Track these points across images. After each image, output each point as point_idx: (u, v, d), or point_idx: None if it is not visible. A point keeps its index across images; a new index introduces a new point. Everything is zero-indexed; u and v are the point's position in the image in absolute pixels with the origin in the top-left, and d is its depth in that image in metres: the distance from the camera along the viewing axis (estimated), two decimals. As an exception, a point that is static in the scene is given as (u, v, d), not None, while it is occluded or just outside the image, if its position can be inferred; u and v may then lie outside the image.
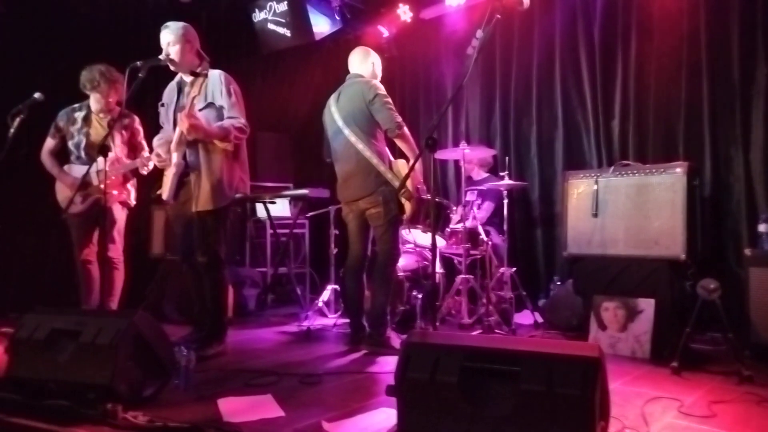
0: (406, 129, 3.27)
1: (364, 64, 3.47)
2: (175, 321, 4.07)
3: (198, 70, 3.18)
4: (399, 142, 3.28)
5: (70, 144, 3.70)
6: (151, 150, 3.47)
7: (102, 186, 3.39)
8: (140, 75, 2.96)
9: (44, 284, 4.63)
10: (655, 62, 4.10)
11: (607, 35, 4.33)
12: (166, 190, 3.19)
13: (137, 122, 3.82)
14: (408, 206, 3.29)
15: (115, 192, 3.66)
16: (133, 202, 3.83)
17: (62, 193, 3.69)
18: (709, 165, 3.82)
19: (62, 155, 3.75)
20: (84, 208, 3.62)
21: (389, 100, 3.32)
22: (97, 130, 3.70)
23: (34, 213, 4.56)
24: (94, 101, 3.70)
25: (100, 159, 3.26)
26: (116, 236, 3.71)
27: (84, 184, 3.34)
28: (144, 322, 2.31)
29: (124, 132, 3.76)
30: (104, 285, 3.54)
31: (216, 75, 3.18)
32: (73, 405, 2.12)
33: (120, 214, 3.74)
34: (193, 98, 3.04)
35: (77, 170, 3.59)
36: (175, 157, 3.12)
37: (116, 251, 3.73)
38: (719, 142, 3.83)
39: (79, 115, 3.71)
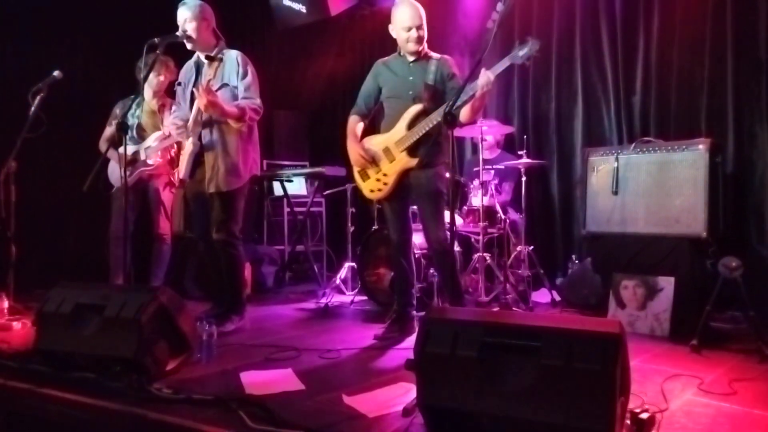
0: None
1: None
2: (195, 297, 4.13)
3: (214, 52, 3.19)
4: None
5: None
6: None
7: (149, 161, 3.92)
8: (158, 52, 3.01)
9: (66, 260, 4.71)
10: (678, 36, 4.01)
11: (629, 8, 4.23)
12: (182, 169, 3.22)
13: None
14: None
15: (157, 160, 3.95)
16: (177, 182, 4.00)
17: (114, 172, 3.98)
18: (732, 142, 3.75)
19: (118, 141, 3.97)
20: (131, 182, 3.80)
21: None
22: (147, 114, 4.02)
23: (54, 190, 4.63)
24: (147, 86, 3.93)
25: (152, 136, 3.93)
26: (163, 213, 4.01)
27: (132, 159, 3.84)
28: (167, 297, 2.35)
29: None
30: (154, 258, 4.00)
31: (233, 56, 3.19)
32: (99, 377, 2.18)
33: (166, 194, 4.05)
34: (209, 80, 3.05)
35: (129, 149, 3.86)
36: (190, 138, 3.14)
37: (164, 227, 4.04)
38: (743, 118, 3.75)
39: (134, 102, 3.93)
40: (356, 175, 3.22)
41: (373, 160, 3.11)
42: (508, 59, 2.68)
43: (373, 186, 3.14)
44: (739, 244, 3.58)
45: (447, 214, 2.65)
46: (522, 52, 2.64)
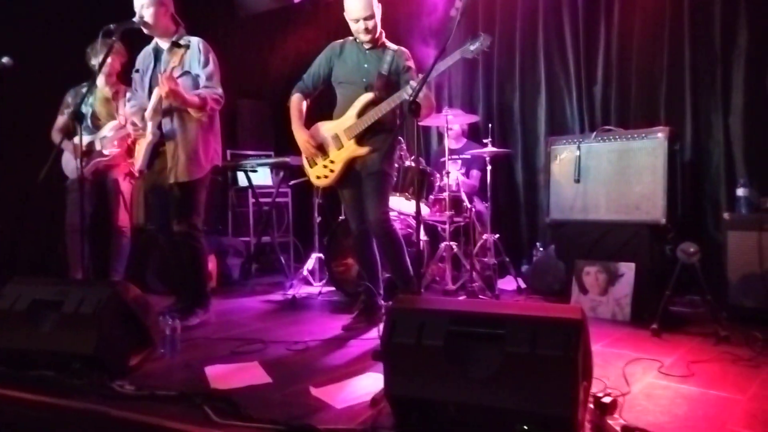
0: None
1: None
2: (158, 291, 4.05)
3: (175, 38, 3.11)
4: None
5: None
6: None
7: (105, 151, 3.82)
8: (113, 38, 2.92)
9: (22, 255, 4.56)
10: (638, 27, 4.09)
11: (591, 0, 4.29)
12: (139, 160, 3.14)
13: None
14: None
15: (113, 150, 3.84)
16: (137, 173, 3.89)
17: (69, 163, 3.87)
18: (690, 130, 3.86)
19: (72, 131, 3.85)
20: (87, 173, 3.73)
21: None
22: (101, 102, 3.91)
23: (8, 182, 4.46)
24: (100, 72, 3.78)
25: (107, 125, 3.84)
26: (122, 205, 3.93)
27: (88, 150, 3.74)
28: (127, 291, 2.29)
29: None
30: (114, 252, 3.92)
31: (194, 43, 3.12)
32: (58, 375, 2.11)
33: (125, 185, 3.96)
34: (173, 68, 2.98)
35: (84, 140, 3.67)
36: (150, 126, 3.06)
37: (124, 220, 3.97)
38: (700, 107, 3.85)
39: (85, 90, 3.73)
40: (304, 161, 3.23)
41: (321, 147, 3.11)
42: (459, 53, 2.69)
43: (319, 173, 3.15)
44: (697, 229, 3.69)
45: (412, 204, 2.64)
46: (473, 47, 2.65)
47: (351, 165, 3.07)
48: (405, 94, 2.81)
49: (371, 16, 2.99)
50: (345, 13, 3.05)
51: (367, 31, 3.00)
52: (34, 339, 2.21)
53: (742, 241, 3.08)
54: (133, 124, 3.14)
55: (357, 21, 2.99)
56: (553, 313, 1.69)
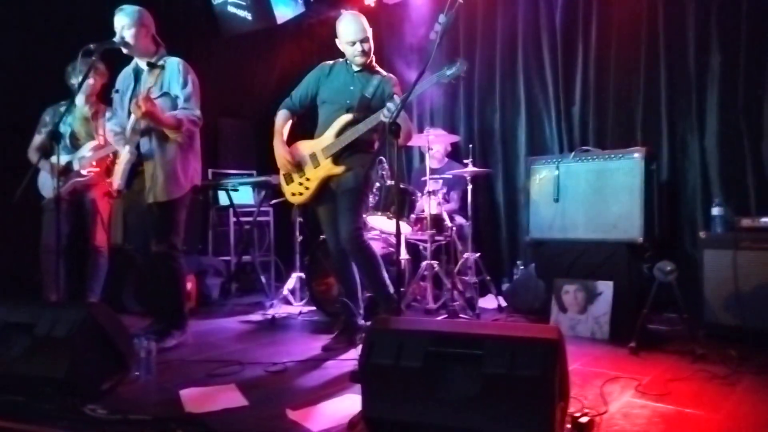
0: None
1: None
2: (135, 312, 3.99)
3: (154, 59, 3.11)
4: None
5: None
6: None
7: (84, 171, 3.77)
8: (93, 58, 2.92)
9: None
10: (615, 50, 4.17)
11: (569, 23, 4.38)
12: (117, 179, 3.12)
13: None
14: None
15: (91, 171, 3.78)
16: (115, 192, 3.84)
17: (46, 183, 3.80)
18: (666, 150, 3.92)
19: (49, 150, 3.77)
20: (65, 193, 3.66)
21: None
22: (80, 121, 3.86)
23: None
24: (80, 91, 3.75)
25: (86, 145, 3.79)
26: (100, 225, 3.88)
27: (65, 169, 3.66)
28: (101, 313, 2.26)
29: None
30: (91, 272, 3.85)
31: (174, 63, 3.11)
32: (28, 400, 2.07)
33: (103, 205, 3.90)
34: (150, 88, 2.97)
35: (62, 159, 3.65)
36: (128, 146, 3.05)
37: (101, 240, 3.90)
38: (676, 128, 3.93)
39: (64, 109, 3.70)
40: (281, 178, 3.26)
41: (299, 165, 3.13)
42: (435, 77, 2.70)
43: (295, 189, 3.18)
44: (674, 248, 3.74)
45: (393, 222, 2.64)
46: (450, 72, 2.66)
47: (326, 183, 3.08)
48: (382, 115, 2.83)
49: (367, 39, 3.03)
50: (339, 37, 3.07)
51: (363, 53, 3.03)
52: (4, 363, 2.16)
53: (717, 259, 3.12)
54: (113, 131, 3.14)
55: (353, 44, 3.01)
56: (531, 334, 1.69)
